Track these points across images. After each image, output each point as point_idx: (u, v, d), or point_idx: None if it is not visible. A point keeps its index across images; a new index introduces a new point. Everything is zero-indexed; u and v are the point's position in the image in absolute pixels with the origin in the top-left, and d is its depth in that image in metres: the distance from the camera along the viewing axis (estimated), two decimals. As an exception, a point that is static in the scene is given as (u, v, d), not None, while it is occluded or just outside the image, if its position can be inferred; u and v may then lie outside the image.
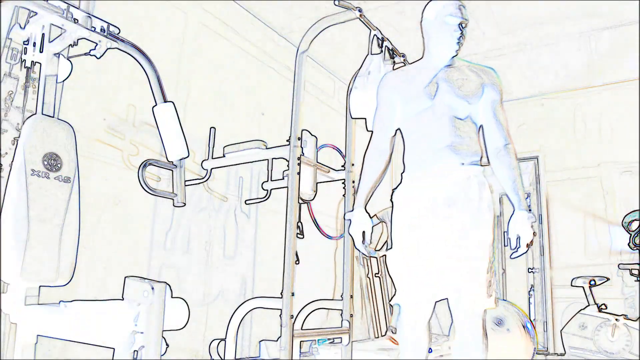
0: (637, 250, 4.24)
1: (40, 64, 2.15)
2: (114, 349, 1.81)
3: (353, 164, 2.92)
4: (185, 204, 2.65)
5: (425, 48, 2.33)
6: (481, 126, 2.28)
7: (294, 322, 2.44)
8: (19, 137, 2.05)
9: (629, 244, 4.27)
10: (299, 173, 2.57)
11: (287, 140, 2.62)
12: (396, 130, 2.34)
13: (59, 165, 2.08)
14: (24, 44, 2.15)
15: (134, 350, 1.79)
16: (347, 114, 2.85)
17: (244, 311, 2.65)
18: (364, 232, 2.29)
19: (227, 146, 2.89)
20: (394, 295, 2.23)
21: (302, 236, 2.58)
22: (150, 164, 2.54)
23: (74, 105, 2.54)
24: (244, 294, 3.54)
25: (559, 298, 4.77)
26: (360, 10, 2.62)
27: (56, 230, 2.05)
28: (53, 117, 2.14)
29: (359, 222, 2.29)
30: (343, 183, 2.92)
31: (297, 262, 2.49)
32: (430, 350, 2.21)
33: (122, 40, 2.38)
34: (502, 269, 4.77)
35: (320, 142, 2.91)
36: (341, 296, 2.83)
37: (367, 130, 2.51)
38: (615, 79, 4.66)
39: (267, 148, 2.76)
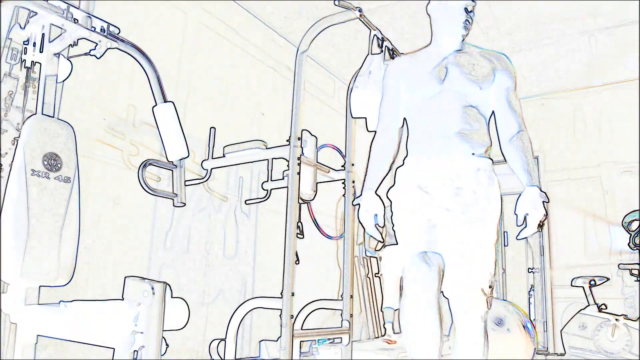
0: (637, 250, 4.23)
1: (40, 64, 2.15)
2: (113, 349, 1.81)
3: (353, 164, 2.91)
4: (185, 204, 2.64)
5: (433, 33, 2.26)
6: (492, 113, 2.18)
7: (294, 322, 2.43)
8: (19, 137, 2.04)
9: (629, 244, 4.27)
10: (299, 173, 2.56)
11: (287, 140, 2.61)
12: (403, 122, 2.22)
13: (59, 165, 2.08)
14: (24, 44, 2.14)
15: (134, 350, 1.78)
16: (348, 113, 2.84)
17: (244, 311, 2.65)
18: (376, 215, 2.15)
19: (227, 146, 2.89)
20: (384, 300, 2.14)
21: (302, 236, 2.57)
22: (150, 164, 2.54)
23: (74, 105, 2.53)
24: (244, 294, 3.54)
25: (559, 298, 4.77)
26: (360, 10, 2.61)
27: (56, 230, 2.05)
28: (53, 117, 2.14)
29: (369, 204, 2.15)
30: (343, 183, 2.92)
31: (297, 262, 2.49)
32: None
33: (122, 40, 2.38)
34: (502, 269, 4.76)
35: (320, 142, 2.90)
36: (341, 296, 2.83)
37: (368, 131, 2.50)
38: (615, 79, 4.66)
39: (267, 148, 2.76)
